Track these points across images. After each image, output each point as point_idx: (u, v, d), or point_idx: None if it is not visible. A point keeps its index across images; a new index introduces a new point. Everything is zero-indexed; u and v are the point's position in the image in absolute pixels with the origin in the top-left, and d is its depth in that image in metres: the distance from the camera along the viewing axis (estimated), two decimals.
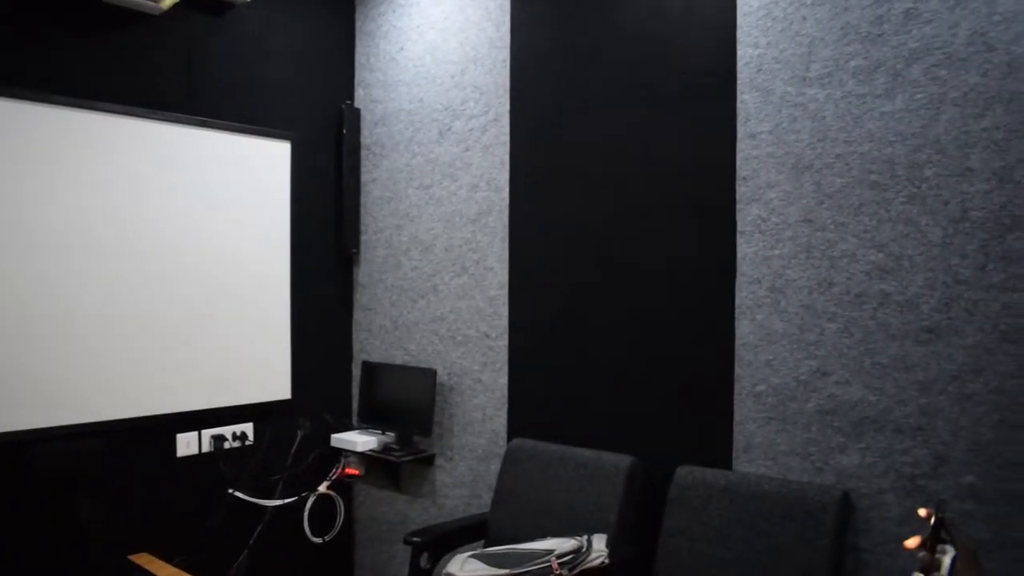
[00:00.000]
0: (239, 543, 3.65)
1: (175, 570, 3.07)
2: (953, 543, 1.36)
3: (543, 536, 2.88)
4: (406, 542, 3.05)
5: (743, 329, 2.77)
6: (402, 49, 3.94)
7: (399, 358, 3.95)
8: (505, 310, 3.48)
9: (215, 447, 3.58)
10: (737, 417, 2.79)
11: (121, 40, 3.29)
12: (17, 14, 3.02)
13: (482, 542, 3.23)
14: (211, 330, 3.58)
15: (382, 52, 4.04)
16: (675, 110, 2.95)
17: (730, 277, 2.79)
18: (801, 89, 2.63)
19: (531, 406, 3.42)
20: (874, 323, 2.48)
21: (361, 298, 4.17)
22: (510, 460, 3.29)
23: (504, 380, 3.50)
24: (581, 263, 3.22)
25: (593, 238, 3.18)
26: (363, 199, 4.15)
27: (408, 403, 3.76)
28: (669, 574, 2.71)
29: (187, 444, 3.51)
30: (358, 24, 4.18)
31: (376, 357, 4.07)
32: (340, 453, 3.99)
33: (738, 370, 2.78)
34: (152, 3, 3.23)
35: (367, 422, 3.96)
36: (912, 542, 1.37)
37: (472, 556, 2.77)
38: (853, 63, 2.52)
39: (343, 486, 4.10)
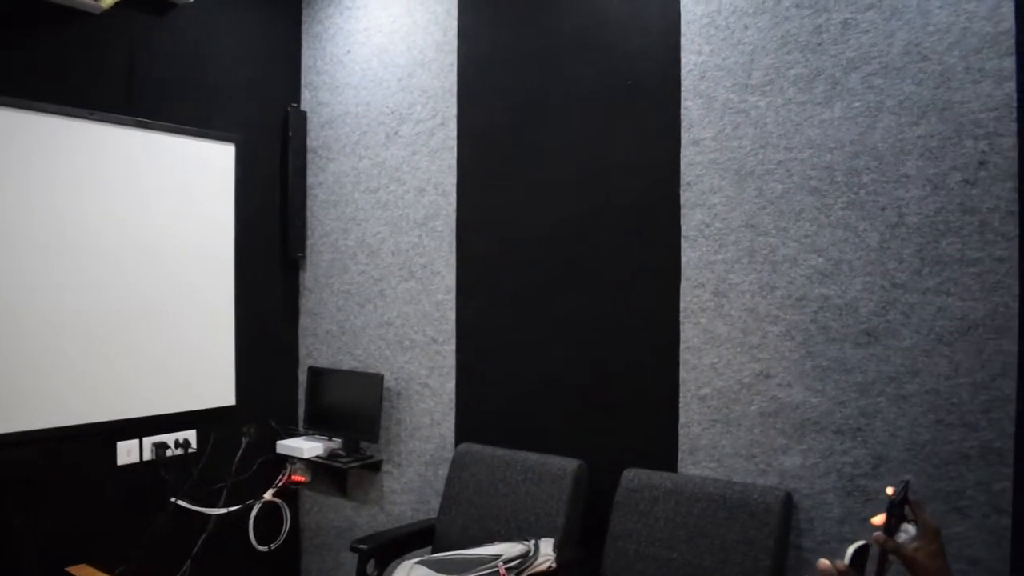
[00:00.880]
0: (182, 552, 3.58)
1: None
2: (916, 522, 1.40)
3: (491, 541, 2.88)
4: (352, 549, 3.03)
5: (687, 333, 2.80)
6: (349, 52, 3.91)
7: (346, 363, 3.92)
8: (452, 314, 3.48)
9: (157, 455, 3.50)
10: (682, 420, 2.82)
11: (60, 39, 3.21)
12: None
13: (430, 548, 3.22)
14: (152, 335, 3.51)
15: (329, 54, 4.01)
16: (620, 116, 2.97)
17: (675, 281, 2.82)
18: (743, 96, 2.67)
19: (479, 411, 3.41)
20: (815, 326, 2.53)
21: (307, 303, 4.13)
22: (457, 465, 3.28)
23: (451, 385, 3.49)
24: (528, 267, 3.23)
25: (540, 242, 3.20)
26: (309, 202, 4.10)
27: (355, 409, 3.72)
28: None
29: (128, 452, 3.43)
30: (304, 26, 4.14)
31: (323, 362, 4.03)
32: (286, 460, 3.94)
33: (683, 373, 2.81)
34: (92, 2, 3.16)
35: (313, 428, 3.92)
36: (878, 519, 1.40)
37: (419, 563, 2.75)
38: (793, 71, 2.57)
39: (289, 493, 4.05)
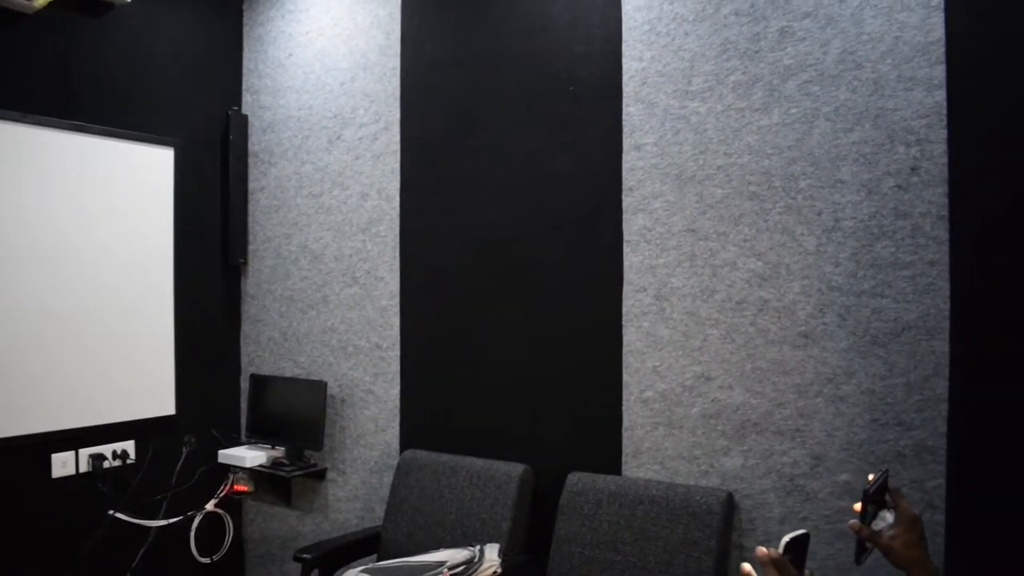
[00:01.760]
0: (121, 567, 3.49)
1: None
2: (895, 509, 1.43)
3: (436, 548, 2.86)
4: (296, 559, 2.99)
5: (630, 336, 2.82)
6: (291, 55, 3.87)
7: (289, 370, 3.87)
8: (396, 320, 3.45)
9: (94, 467, 3.41)
10: (626, 423, 2.83)
11: None
12: None
13: (375, 556, 3.19)
14: (89, 343, 3.42)
15: (270, 57, 3.96)
16: (563, 121, 2.99)
17: (617, 285, 2.84)
18: (684, 102, 2.70)
19: (424, 417, 3.39)
20: (754, 329, 2.56)
21: (249, 309, 4.06)
22: (403, 472, 3.26)
23: (396, 391, 3.46)
24: (472, 272, 3.23)
25: (484, 247, 3.19)
26: (251, 208, 4.04)
27: (298, 416, 3.67)
28: None
29: (63, 464, 3.33)
30: (246, 29, 4.08)
31: (265, 370, 3.98)
32: (228, 469, 3.87)
33: (626, 377, 2.83)
34: (25, 2, 3.07)
35: (256, 437, 3.86)
36: (857, 506, 1.43)
37: (363, 571, 2.73)
38: (732, 78, 2.61)
39: (232, 503, 3.98)
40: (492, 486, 3.01)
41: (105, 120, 3.48)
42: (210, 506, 3.83)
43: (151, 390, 3.68)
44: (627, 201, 2.83)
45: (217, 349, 4.02)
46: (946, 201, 2.26)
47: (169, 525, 3.64)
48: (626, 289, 2.83)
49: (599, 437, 2.89)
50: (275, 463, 3.69)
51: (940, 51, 2.27)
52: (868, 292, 2.37)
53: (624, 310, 2.83)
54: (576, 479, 2.83)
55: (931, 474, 2.26)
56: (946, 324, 2.26)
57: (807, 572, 1.31)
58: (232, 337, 4.10)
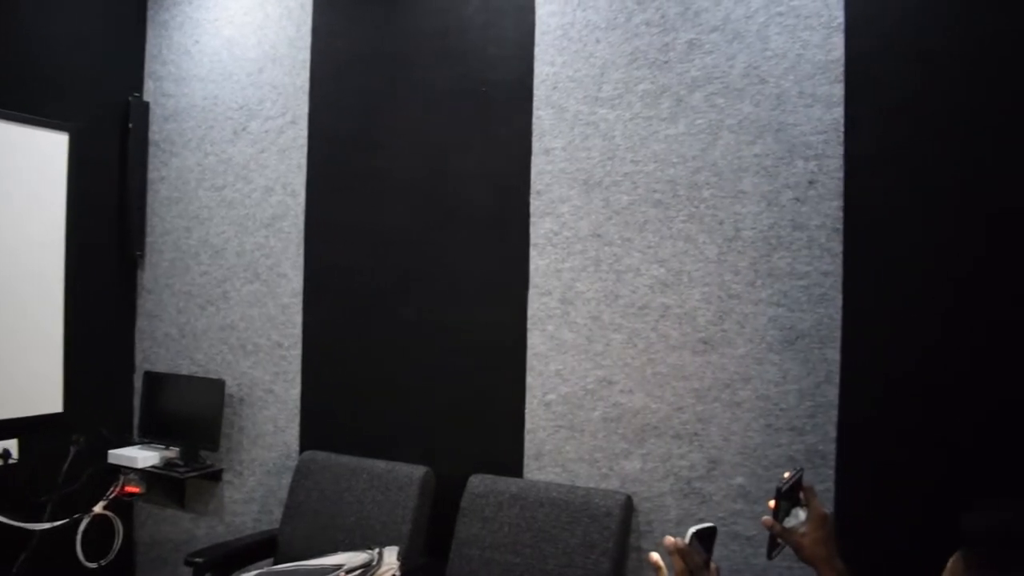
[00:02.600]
0: (1, 572, 3.32)
1: None
2: (807, 507, 1.47)
3: (334, 551, 2.81)
4: (187, 563, 2.89)
5: (535, 339, 2.83)
6: (197, 42, 3.75)
7: (185, 368, 3.75)
8: (299, 318, 3.38)
9: None
10: (528, 425, 2.84)
11: None
12: None
13: (271, 560, 3.11)
14: None
15: (176, 44, 3.83)
16: (474, 122, 2.98)
17: (523, 288, 2.85)
18: (593, 108, 2.73)
19: (325, 418, 3.34)
20: (655, 334, 2.61)
21: (145, 304, 3.92)
22: (301, 473, 3.20)
23: (297, 391, 3.39)
24: (378, 272, 3.19)
25: (390, 246, 3.16)
26: (150, 199, 3.90)
27: (194, 416, 3.56)
28: None
29: None
30: (150, 13, 3.93)
31: (160, 367, 3.84)
32: (119, 470, 3.71)
33: (529, 379, 2.84)
34: None
35: (149, 436, 3.72)
36: (772, 503, 1.48)
37: (258, 575, 2.66)
38: (641, 87, 2.65)
39: (122, 506, 3.82)
40: (393, 488, 2.98)
41: None
42: (98, 508, 3.67)
43: (37, 385, 3.51)
44: (535, 204, 2.84)
45: (110, 345, 3.86)
46: (841, 214, 2.34)
47: (54, 529, 3.47)
48: (532, 292, 2.84)
49: (502, 440, 2.89)
50: (169, 464, 3.57)
51: (839, 70, 2.35)
52: (765, 300, 2.44)
53: (529, 313, 2.84)
54: (478, 481, 2.82)
55: (822, 477, 2.34)
56: (838, 333, 2.34)
57: (713, 565, 1.34)
58: (126, 332, 3.94)
